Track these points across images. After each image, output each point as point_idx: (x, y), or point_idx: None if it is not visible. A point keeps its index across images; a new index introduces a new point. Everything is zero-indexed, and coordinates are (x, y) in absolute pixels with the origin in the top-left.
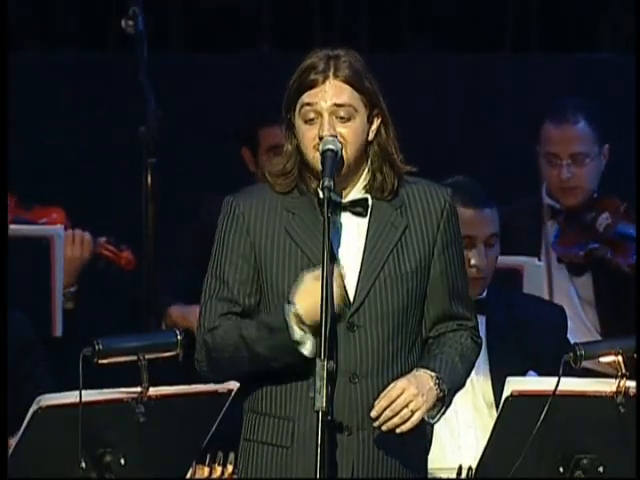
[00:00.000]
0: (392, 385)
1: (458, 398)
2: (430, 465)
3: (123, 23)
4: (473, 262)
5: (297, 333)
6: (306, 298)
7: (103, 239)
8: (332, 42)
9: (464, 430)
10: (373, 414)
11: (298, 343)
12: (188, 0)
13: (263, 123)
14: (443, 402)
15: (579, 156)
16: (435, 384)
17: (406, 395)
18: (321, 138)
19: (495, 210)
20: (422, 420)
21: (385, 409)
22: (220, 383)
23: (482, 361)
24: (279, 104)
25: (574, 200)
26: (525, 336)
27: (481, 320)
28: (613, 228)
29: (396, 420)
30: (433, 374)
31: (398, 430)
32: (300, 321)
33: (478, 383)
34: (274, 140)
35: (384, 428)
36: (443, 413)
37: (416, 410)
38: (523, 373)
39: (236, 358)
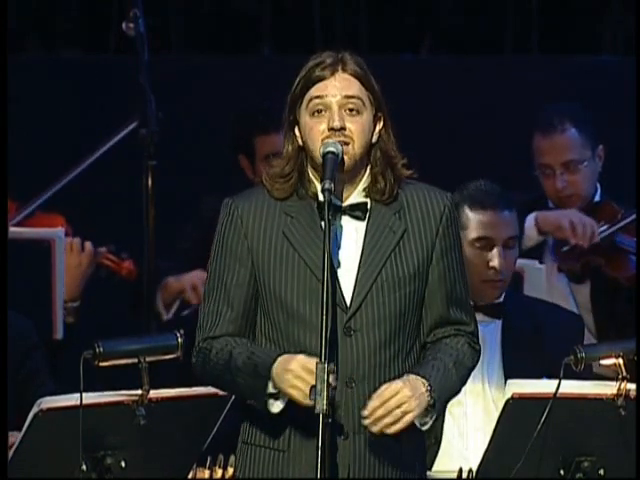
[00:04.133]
0: (385, 386)
1: (469, 401)
2: (436, 466)
3: (124, 25)
4: (492, 264)
5: (272, 389)
6: (289, 380)
7: (104, 249)
8: (332, 43)
9: (472, 433)
10: (365, 413)
11: (269, 396)
12: (188, 2)
13: (259, 131)
14: (433, 409)
15: (571, 163)
16: (427, 391)
17: (400, 396)
18: (330, 129)
19: (515, 213)
20: (412, 424)
21: (377, 409)
22: None
23: (497, 365)
24: (274, 111)
25: (573, 208)
26: (542, 342)
27: (497, 324)
28: (610, 239)
29: (388, 420)
30: (425, 381)
31: (388, 431)
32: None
33: (491, 387)
34: (270, 148)
35: (375, 428)
36: (435, 420)
37: (409, 412)
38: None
39: (222, 378)
